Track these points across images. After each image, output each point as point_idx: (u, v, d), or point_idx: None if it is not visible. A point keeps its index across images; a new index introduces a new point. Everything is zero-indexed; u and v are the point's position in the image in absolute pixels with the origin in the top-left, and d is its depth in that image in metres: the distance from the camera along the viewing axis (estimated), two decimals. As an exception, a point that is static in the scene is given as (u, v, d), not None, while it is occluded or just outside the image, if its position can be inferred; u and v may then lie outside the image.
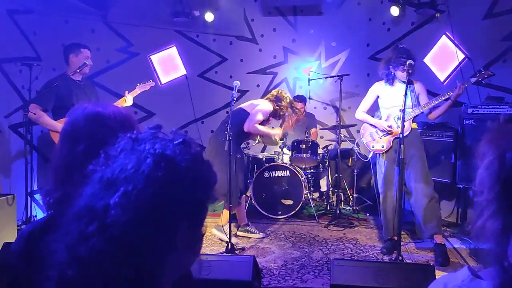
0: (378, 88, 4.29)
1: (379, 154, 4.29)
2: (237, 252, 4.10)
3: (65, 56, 4.32)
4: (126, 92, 4.66)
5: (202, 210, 0.83)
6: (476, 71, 3.91)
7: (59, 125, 4.02)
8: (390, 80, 4.15)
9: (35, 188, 4.92)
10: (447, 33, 5.48)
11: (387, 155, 4.18)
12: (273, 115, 4.66)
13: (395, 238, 3.94)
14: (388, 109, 4.20)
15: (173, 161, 0.77)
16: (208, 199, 0.84)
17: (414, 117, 4.10)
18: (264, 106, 4.57)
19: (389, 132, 4.13)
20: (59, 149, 1.30)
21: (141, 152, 0.77)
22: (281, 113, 4.67)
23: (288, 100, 4.70)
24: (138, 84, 4.77)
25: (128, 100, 4.56)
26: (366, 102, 4.39)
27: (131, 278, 0.72)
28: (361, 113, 4.41)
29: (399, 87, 4.07)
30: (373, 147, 4.30)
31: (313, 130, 6.18)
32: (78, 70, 4.17)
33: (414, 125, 4.16)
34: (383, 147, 4.17)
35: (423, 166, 4.04)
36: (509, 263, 0.76)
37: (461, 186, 4.76)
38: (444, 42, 5.52)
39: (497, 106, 4.66)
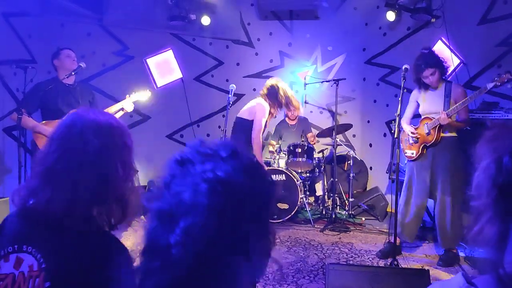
0: (416, 95, 4.21)
1: (411, 162, 4.22)
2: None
3: (52, 64, 4.24)
4: (127, 95, 4.54)
5: (269, 216, 0.81)
6: (496, 76, 3.74)
7: (41, 126, 3.94)
8: (421, 87, 4.09)
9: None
10: (442, 38, 5.51)
11: (417, 161, 4.12)
12: (272, 110, 4.65)
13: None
14: (423, 115, 4.12)
15: (228, 183, 0.73)
16: (273, 202, 0.81)
17: (445, 126, 3.91)
18: (260, 110, 4.56)
19: (415, 138, 4.07)
20: (53, 151, 1.28)
21: (193, 177, 0.73)
22: (278, 105, 4.64)
23: (283, 91, 4.64)
24: (134, 93, 4.61)
25: (129, 106, 4.43)
26: (408, 110, 4.30)
27: None
28: (403, 120, 4.24)
29: (433, 93, 4.02)
30: (406, 153, 4.26)
31: (309, 134, 6.19)
32: (72, 73, 4.13)
33: (447, 133, 3.97)
34: (413, 154, 4.12)
35: (448, 176, 3.89)
36: (504, 271, 0.75)
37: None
38: (440, 47, 5.54)
39: (492, 112, 4.67)
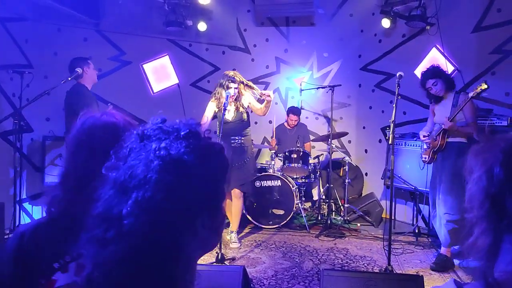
0: (431, 108, 4.37)
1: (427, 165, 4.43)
2: (226, 262, 4.08)
3: (73, 69, 4.32)
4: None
5: (218, 196, 0.83)
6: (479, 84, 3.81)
7: None
8: (432, 100, 4.26)
9: (24, 196, 4.87)
10: (437, 45, 5.55)
11: (433, 168, 4.27)
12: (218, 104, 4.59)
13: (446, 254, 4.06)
14: (436, 123, 4.26)
15: (180, 161, 0.76)
16: (223, 183, 0.83)
17: (450, 133, 4.01)
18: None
19: (428, 143, 4.22)
20: (72, 157, 1.27)
21: (148, 153, 0.76)
22: (220, 97, 4.54)
23: (220, 82, 4.61)
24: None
25: None
26: (428, 121, 4.45)
27: (152, 283, 0.73)
28: (423, 130, 4.43)
29: (442, 104, 4.19)
30: (422, 158, 4.41)
31: (307, 144, 6.21)
32: (69, 79, 4.18)
33: (453, 139, 4.05)
34: (426, 158, 4.27)
35: (448, 179, 3.98)
36: (493, 279, 0.76)
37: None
38: (434, 54, 5.59)
39: (486, 118, 4.71)
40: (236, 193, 4.63)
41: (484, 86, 3.67)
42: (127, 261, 0.71)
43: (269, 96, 4.47)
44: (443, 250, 4.10)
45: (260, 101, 4.71)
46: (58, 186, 1.24)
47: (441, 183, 4.05)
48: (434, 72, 4.12)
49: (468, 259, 0.87)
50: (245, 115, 4.68)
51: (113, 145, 1.21)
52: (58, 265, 1.14)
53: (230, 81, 4.51)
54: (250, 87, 4.62)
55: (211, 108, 4.64)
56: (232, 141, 4.56)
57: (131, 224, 0.71)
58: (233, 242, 4.72)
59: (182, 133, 0.79)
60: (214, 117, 4.73)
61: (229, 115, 4.59)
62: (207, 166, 0.80)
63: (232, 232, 4.79)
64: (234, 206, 4.69)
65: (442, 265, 4.00)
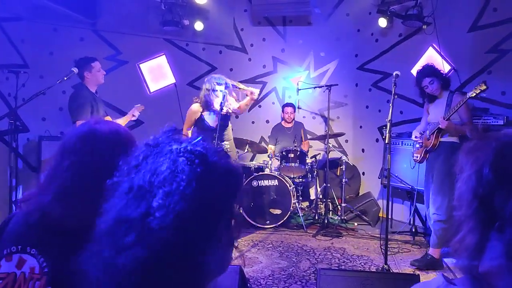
0: (426, 107, 4.35)
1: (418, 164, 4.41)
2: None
3: (79, 71, 4.26)
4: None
5: (234, 203, 0.84)
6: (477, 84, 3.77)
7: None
8: (426, 98, 4.23)
9: (19, 196, 4.85)
10: (433, 45, 5.56)
11: (426, 166, 4.24)
12: (204, 106, 4.52)
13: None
14: (429, 122, 4.22)
15: (206, 157, 0.77)
16: (239, 192, 0.84)
17: (443, 132, 3.99)
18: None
19: (420, 143, 4.21)
20: (52, 159, 1.30)
21: (170, 153, 0.77)
22: (206, 99, 4.46)
23: (205, 87, 4.51)
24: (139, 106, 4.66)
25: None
26: (422, 120, 4.42)
27: (178, 281, 0.72)
28: (416, 129, 4.42)
29: (436, 104, 4.15)
30: (413, 157, 4.39)
31: (305, 142, 6.21)
32: (65, 78, 4.16)
33: (447, 138, 4.02)
34: (417, 157, 4.26)
35: (439, 179, 3.96)
36: (479, 274, 0.77)
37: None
38: (431, 53, 5.60)
39: (482, 117, 4.72)
40: None
41: (483, 86, 3.62)
42: (150, 259, 0.71)
43: (252, 93, 4.50)
44: (430, 250, 4.07)
45: (243, 96, 4.70)
46: (38, 186, 1.28)
47: (432, 183, 4.04)
48: (431, 70, 4.09)
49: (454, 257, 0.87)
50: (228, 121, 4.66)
51: (84, 153, 1.21)
52: (6, 252, 1.18)
53: (216, 84, 4.42)
54: (236, 87, 4.57)
55: (193, 116, 4.53)
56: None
57: (162, 217, 0.71)
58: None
59: (197, 140, 0.82)
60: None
61: (213, 122, 4.50)
62: (230, 169, 0.82)
63: None
64: None
65: (425, 264, 4.00)
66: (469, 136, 3.89)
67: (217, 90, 4.40)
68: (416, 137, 4.28)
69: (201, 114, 4.57)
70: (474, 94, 3.67)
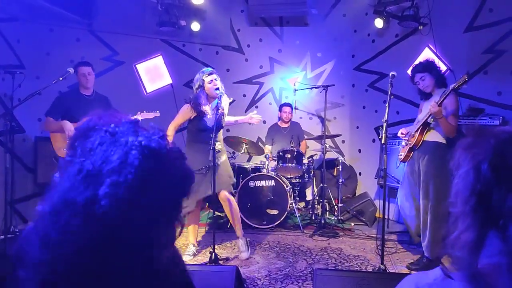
0: (420, 106, 4.26)
1: (402, 163, 4.31)
2: (220, 262, 4.07)
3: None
4: (139, 112, 4.73)
5: (180, 202, 0.85)
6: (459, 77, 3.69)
7: (63, 123, 4.21)
8: (422, 96, 4.14)
9: (15, 197, 4.83)
10: (429, 45, 5.58)
11: (408, 166, 4.15)
12: (193, 106, 4.12)
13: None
14: (420, 120, 4.09)
15: (159, 153, 0.79)
16: (188, 191, 0.86)
17: (427, 128, 3.94)
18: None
19: (407, 141, 4.11)
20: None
21: (125, 144, 0.78)
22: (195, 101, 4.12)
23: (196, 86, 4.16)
24: (144, 112, 4.77)
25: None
26: (417, 118, 4.29)
27: (120, 270, 0.73)
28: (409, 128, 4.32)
29: (430, 101, 4.00)
30: (399, 155, 4.29)
31: (303, 142, 6.21)
32: (60, 79, 4.18)
33: (430, 137, 3.94)
34: (401, 156, 4.18)
35: (433, 182, 3.87)
36: (477, 271, 0.77)
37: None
38: (427, 54, 5.61)
39: (478, 118, 4.73)
40: (222, 196, 4.24)
41: (466, 77, 3.54)
42: (100, 245, 0.72)
43: (252, 119, 4.49)
44: (427, 254, 4.02)
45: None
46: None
47: (416, 185, 3.98)
48: (424, 66, 3.98)
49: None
50: (223, 120, 4.31)
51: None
52: None
53: (207, 74, 4.07)
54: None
55: (186, 116, 4.20)
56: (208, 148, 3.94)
57: (107, 206, 0.72)
58: (242, 252, 4.30)
59: (157, 135, 0.83)
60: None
61: (209, 121, 4.13)
62: (182, 168, 0.84)
63: (238, 237, 4.40)
64: (228, 210, 4.33)
65: (421, 267, 3.95)
66: (451, 135, 3.85)
67: (208, 83, 4.06)
68: (402, 133, 4.17)
69: (195, 117, 4.20)
70: (457, 85, 3.59)
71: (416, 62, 4.19)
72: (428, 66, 3.98)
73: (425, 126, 3.94)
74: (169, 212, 0.82)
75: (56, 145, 4.32)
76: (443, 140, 3.93)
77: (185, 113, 4.19)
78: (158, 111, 4.83)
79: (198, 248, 4.48)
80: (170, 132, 4.21)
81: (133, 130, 0.83)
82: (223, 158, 4.30)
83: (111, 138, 0.80)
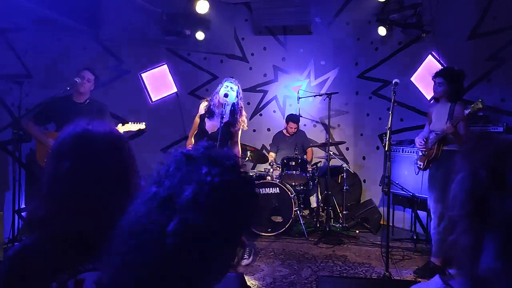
0: (429, 113, 4.25)
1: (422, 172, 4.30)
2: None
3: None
4: (120, 124, 4.60)
5: (245, 229, 0.85)
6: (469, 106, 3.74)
7: (45, 138, 4.13)
8: (435, 97, 4.13)
9: (22, 205, 4.88)
10: (433, 52, 5.60)
11: (429, 174, 4.15)
12: (208, 102, 4.22)
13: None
14: (431, 130, 4.10)
15: (229, 190, 0.78)
16: (253, 222, 0.86)
17: (444, 140, 3.93)
18: None
19: (424, 151, 4.11)
20: (46, 167, 1.25)
21: (199, 176, 0.77)
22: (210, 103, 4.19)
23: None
24: (131, 123, 4.60)
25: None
26: (426, 126, 4.32)
27: None
28: (420, 135, 4.32)
29: (439, 112, 4.04)
30: (417, 164, 4.30)
31: (308, 150, 6.23)
32: (67, 88, 4.19)
33: (448, 146, 3.95)
34: (421, 166, 4.18)
35: (439, 192, 3.90)
36: (477, 276, 0.78)
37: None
38: (430, 61, 5.64)
39: (482, 125, 4.74)
40: None
41: (480, 105, 3.56)
42: (165, 275, 0.74)
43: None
44: (432, 258, 4.03)
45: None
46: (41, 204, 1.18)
47: (433, 192, 4.00)
48: (450, 75, 3.94)
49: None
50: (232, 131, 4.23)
51: (82, 152, 1.17)
52: (56, 284, 1.08)
53: (226, 81, 4.16)
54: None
55: (199, 110, 4.27)
56: None
57: (175, 245, 0.72)
58: (243, 258, 4.40)
59: (228, 164, 0.81)
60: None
61: (208, 125, 4.18)
62: (250, 202, 0.83)
63: None
64: None
65: (428, 273, 3.94)
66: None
67: (223, 88, 4.10)
68: (420, 144, 4.18)
69: (202, 115, 4.23)
70: (471, 112, 3.63)
71: (419, 73, 4.17)
72: (450, 77, 3.94)
73: (442, 140, 3.93)
74: (235, 240, 0.82)
75: (41, 154, 4.20)
76: (458, 148, 3.92)
77: (200, 108, 4.27)
78: (144, 123, 4.50)
79: None
80: (190, 139, 4.32)
81: (207, 157, 0.81)
82: None
83: (188, 165, 0.80)
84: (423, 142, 4.15)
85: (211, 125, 4.17)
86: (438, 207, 3.92)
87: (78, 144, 1.20)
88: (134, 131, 4.54)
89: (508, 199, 0.76)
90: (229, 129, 4.12)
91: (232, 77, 4.33)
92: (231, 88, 4.12)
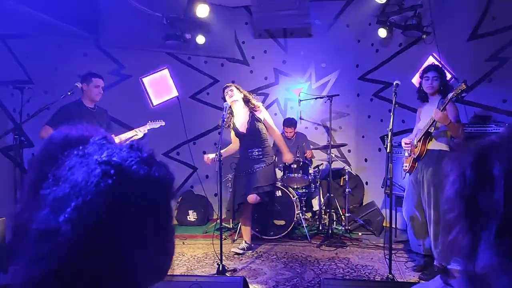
0: (418, 113, 4.25)
1: (408, 174, 4.25)
2: (228, 273, 4.07)
3: (81, 84, 4.39)
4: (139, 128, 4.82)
5: (165, 209, 0.82)
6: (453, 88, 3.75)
7: None
8: (421, 95, 4.12)
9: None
10: (433, 54, 5.60)
11: (412, 176, 4.14)
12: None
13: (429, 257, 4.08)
14: (420, 129, 4.07)
15: (121, 166, 0.75)
16: (170, 197, 0.82)
17: (429, 136, 3.94)
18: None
19: (409, 151, 4.12)
20: (30, 171, 1.26)
21: (89, 164, 0.75)
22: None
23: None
24: (149, 121, 4.95)
25: (139, 133, 4.75)
26: (415, 127, 4.32)
27: None
28: (409, 137, 4.33)
29: (427, 109, 4.03)
30: (404, 167, 4.29)
31: (308, 151, 6.22)
32: (68, 93, 4.22)
33: (433, 145, 3.96)
34: (406, 167, 4.16)
35: (434, 191, 3.89)
36: (476, 276, 0.79)
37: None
38: (431, 62, 5.63)
39: (484, 125, 4.73)
40: (250, 199, 4.66)
41: (463, 86, 3.54)
42: (61, 272, 0.69)
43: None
44: (437, 262, 4.01)
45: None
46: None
47: (423, 195, 3.97)
48: (440, 68, 4.02)
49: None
50: (261, 126, 4.75)
51: (43, 154, 1.19)
52: None
53: (223, 90, 4.76)
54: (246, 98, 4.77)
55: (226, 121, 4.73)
56: (250, 154, 4.71)
57: (68, 232, 0.69)
58: (240, 248, 4.81)
59: (124, 148, 0.79)
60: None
61: (242, 127, 4.70)
62: (153, 176, 0.79)
63: (244, 241, 4.94)
64: (245, 216, 4.90)
65: (434, 276, 3.96)
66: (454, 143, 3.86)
67: (226, 96, 4.71)
68: (405, 143, 4.16)
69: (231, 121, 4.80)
70: (456, 94, 3.59)
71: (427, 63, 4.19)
72: (442, 71, 4.02)
73: (427, 136, 3.93)
74: (149, 221, 0.77)
75: None
76: (446, 148, 3.93)
77: (227, 118, 4.67)
78: (162, 120, 5.07)
79: (250, 245, 4.95)
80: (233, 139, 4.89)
81: (100, 147, 0.79)
82: (261, 165, 4.72)
83: (83, 160, 0.77)
84: (409, 142, 4.13)
85: (241, 125, 4.70)
86: (435, 214, 3.90)
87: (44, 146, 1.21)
88: (156, 128, 5.01)
89: (496, 193, 0.78)
90: (255, 117, 4.69)
91: (228, 84, 4.86)
92: (230, 90, 4.73)
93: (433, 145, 3.94)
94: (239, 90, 4.73)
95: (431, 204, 3.91)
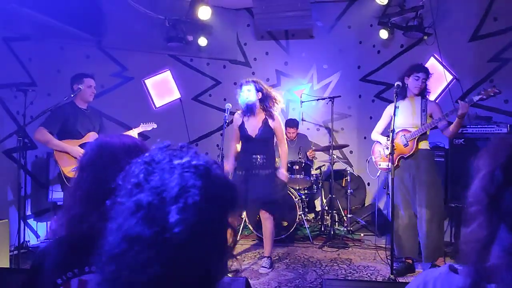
0: (389, 110, 4.26)
1: (388, 173, 4.23)
2: (230, 274, 4.07)
3: (70, 86, 4.34)
4: (133, 129, 4.82)
5: (232, 214, 0.87)
6: (482, 89, 3.85)
7: (66, 145, 4.10)
8: (402, 94, 4.16)
9: (28, 213, 4.91)
10: (435, 55, 5.61)
11: (396, 174, 4.08)
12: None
13: (409, 260, 4.13)
14: (398, 128, 4.12)
15: (209, 170, 0.81)
16: (237, 203, 0.88)
17: (421, 136, 4.01)
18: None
19: (394, 148, 4.09)
20: (85, 177, 1.30)
21: (174, 168, 0.79)
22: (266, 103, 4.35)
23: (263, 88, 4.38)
24: (142, 124, 4.93)
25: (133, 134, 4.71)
26: (380, 123, 4.44)
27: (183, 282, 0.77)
28: (374, 133, 4.47)
29: (406, 108, 4.11)
30: (380, 165, 4.35)
31: (309, 151, 6.23)
32: (72, 95, 4.23)
33: (423, 145, 4.06)
34: (387, 165, 4.16)
35: (427, 190, 3.94)
36: (484, 268, 0.83)
37: (453, 205, 4.77)
38: (433, 63, 5.64)
39: (486, 126, 4.73)
40: (263, 214, 4.43)
41: (494, 90, 3.74)
42: (172, 269, 0.75)
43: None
44: (437, 261, 4.03)
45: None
46: (76, 204, 1.26)
47: (417, 193, 3.99)
48: (429, 73, 4.11)
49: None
50: (272, 135, 4.42)
51: (99, 162, 1.25)
52: (61, 281, 1.18)
53: (241, 86, 4.34)
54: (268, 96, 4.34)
55: (235, 121, 4.49)
56: (254, 159, 4.32)
57: (181, 232, 0.73)
58: (262, 266, 4.33)
59: (193, 152, 0.85)
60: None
61: (252, 131, 4.32)
62: (227, 187, 0.86)
63: (263, 257, 4.51)
64: (263, 229, 4.49)
65: (402, 272, 4.04)
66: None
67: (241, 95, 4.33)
68: (386, 142, 4.19)
69: (242, 120, 4.39)
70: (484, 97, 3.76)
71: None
72: (429, 74, 4.11)
73: (423, 135, 4.02)
74: (226, 223, 0.84)
75: (62, 164, 4.10)
76: (428, 147, 4.12)
77: (235, 119, 4.45)
78: (154, 123, 5.01)
79: (270, 259, 4.53)
80: (232, 147, 4.52)
81: (171, 154, 0.84)
82: (265, 172, 4.36)
83: (158, 166, 0.81)
84: (388, 140, 4.08)
85: (252, 128, 4.34)
86: (430, 213, 3.91)
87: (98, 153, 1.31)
88: (149, 130, 4.95)
89: None
90: (268, 126, 4.30)
91: (246, 80, 4.41)
92: (248, 90, 4.29)
93: (424, 144, 4.06)
94: (261, 85, 4.30)
95: (424, 203, 3.95)
